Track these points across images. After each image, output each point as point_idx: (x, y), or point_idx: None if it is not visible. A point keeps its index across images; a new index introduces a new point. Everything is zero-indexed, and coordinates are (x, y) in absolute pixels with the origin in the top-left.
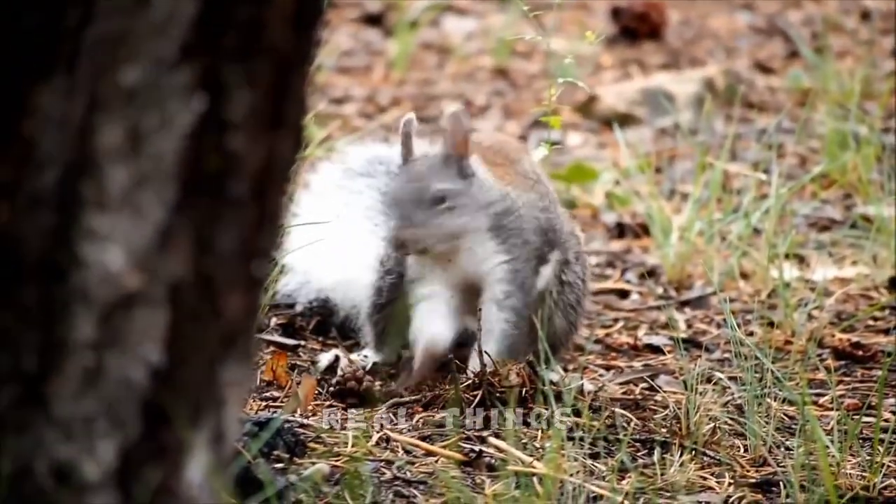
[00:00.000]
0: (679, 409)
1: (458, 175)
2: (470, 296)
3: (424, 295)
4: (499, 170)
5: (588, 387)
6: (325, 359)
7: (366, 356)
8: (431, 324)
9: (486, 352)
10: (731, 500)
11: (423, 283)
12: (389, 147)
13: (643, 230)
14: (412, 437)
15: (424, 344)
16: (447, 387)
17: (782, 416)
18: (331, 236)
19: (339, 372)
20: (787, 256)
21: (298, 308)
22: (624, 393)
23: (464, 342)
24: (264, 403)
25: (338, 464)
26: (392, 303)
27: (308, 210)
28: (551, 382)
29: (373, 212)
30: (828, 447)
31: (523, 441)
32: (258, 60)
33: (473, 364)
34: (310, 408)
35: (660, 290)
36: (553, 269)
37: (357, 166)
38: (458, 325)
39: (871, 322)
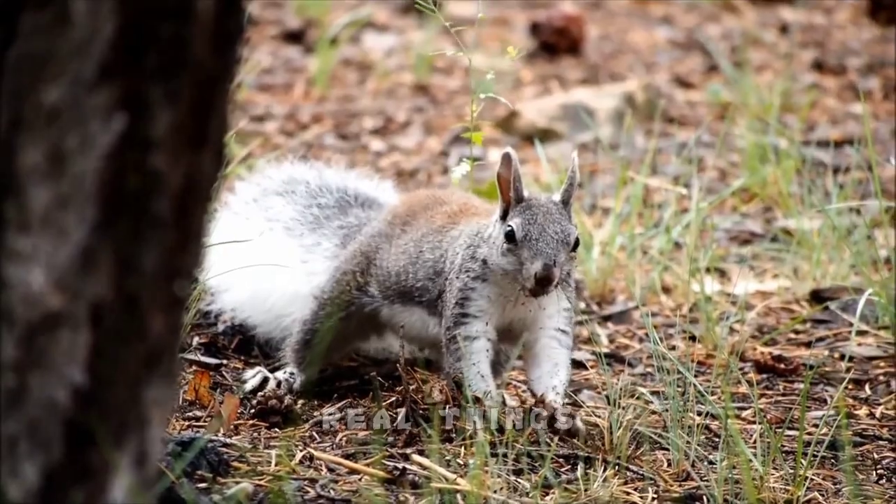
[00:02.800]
0: (602, 424)
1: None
2: (510, 332)
3: (471, 335)
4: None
5: (511, 403)
6: (251, 378)
7: (292, 373)
8: (488, 376)
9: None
10: None
11: (477, 320)
12: (307, 167)
13: None
14: (336, 455)
15: (482, 397)
16: (370, 405)
17: (705, 430)
18: (250, 255)
19: (262, 391)
20: (708, 270)
21: (220, 327)
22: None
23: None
24: (187, 423)
25: (261, 483)
26: (322, 338)
27: (226, 229)
28: (475, 400)
29: (293, 223)
30: (751, 461)
31: (447, 458)
32: (180, 78)
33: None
34: (233, 427)
35: (582, 305)
36: None
37: (278, 186)
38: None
39: (792, 335)
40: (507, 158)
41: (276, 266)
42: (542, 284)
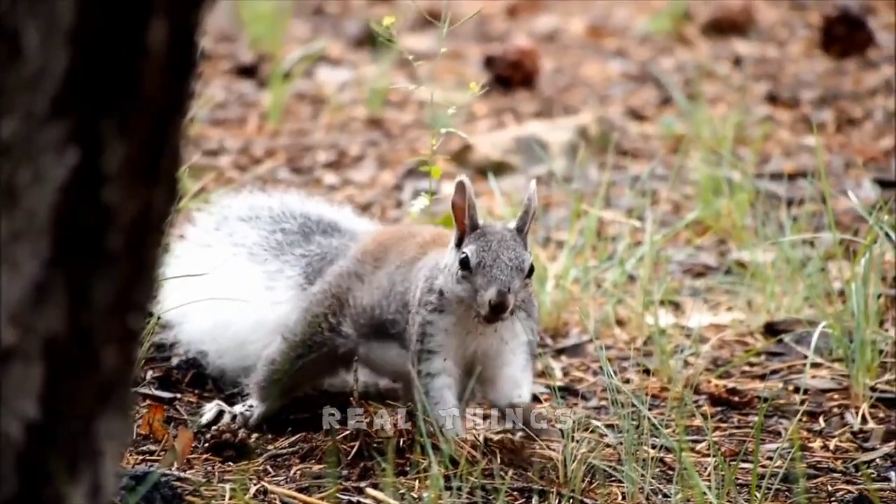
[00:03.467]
0: (556, 457)
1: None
2: (471, 366)
3: (433, 372)
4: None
5: (464, 435)
6: (208, 411)
7: (251, 406)
8: (444, 408)
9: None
10: None
11: (436, 355)
12: (268, 196)
13: None
14: (290, 489)
15: (451, 435)
16: (324, 438)
17: (660, 462)
18: (213, 282)
19: (216, 425)
20: (662, 303)
21: (174, 361)
22: (501, 441)
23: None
24: (141, 457)
25: None
26: (289, 376)
27: (188, 257)
28: (429, 434)
29: (257, 248)
30: (705, 493)
31: (401, 491)
32: (133, 113)
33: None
34: (186, 461)
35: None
36: None
37: (240, 212)
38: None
39: (746, 368)
40: (461, 186)
41: (238, 297)
42: (497, 311)
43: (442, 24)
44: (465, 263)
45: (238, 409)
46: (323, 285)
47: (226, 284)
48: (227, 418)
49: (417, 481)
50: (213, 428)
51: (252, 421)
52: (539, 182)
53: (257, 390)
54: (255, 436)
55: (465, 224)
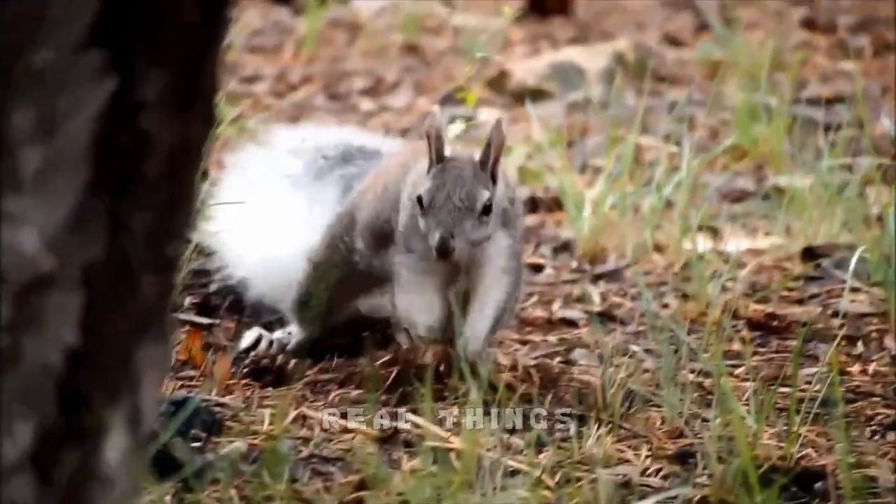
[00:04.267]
0: (595, 382)
1: (490, 181)
2: (459, 278)
3: (409, 276)
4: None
5: (503, 361)
6: (248, 337)
7: (289, 333)
8: (416, 302)
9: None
10: (648, 472)
11: (409, 268)
12: (312, 128)
13: (556, 204)
14: (329, 413)
15: (411, 321)
16: (363, 364)
17: (698, 387)
18: (250, 215)
19: (254, 351)
20: (700, 229)
21: (213, 287)
22: (539, 367)
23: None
24: (181, 383)
25: (255, 442)
26: (319, 300)
27: (231, 189)
28: (466, 358)
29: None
30: (744, 418)
31: (440, 417)
32: (169, 40)
33: (461, 346)
34: (225, 387)
35: (574, 264)
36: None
37: (283, 143)
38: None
39: (785, 293)
40: (431, 116)
41: (282, 220)
42: (442, 255)
43: None
44: (420, 201)
45: (277, 334)
46: (342, 205)
47: (268, 211)
48: (264, 344)
49: (456, 407)
50: (252, 353)
51: (290, 347)
52: (575, 109)
53: (292, 315)
54: (293, 361)
55: (432, 156)
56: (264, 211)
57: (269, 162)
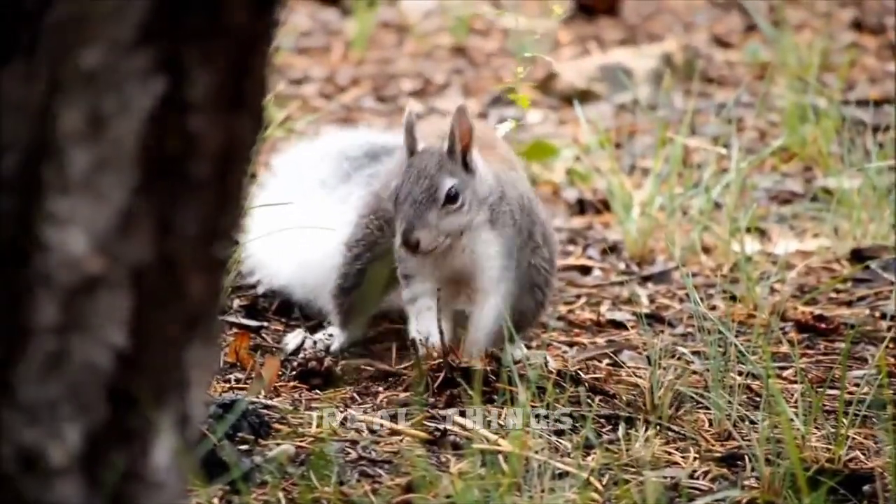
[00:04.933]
0: (643, 384)
1: (463, 170)
2: (458, 284)
3: (415, 293)
4: (484, 154)
5: (552, 363)
6: (291, 340)
7: (331, 335)
8: (424, 325)
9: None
10: (696, 474)
11: (414, 280)
12: (332, 135)
13: (604, 206)
14: (377, 416)
15: (421, 348)
16: (410, 366)
17: (746, 389)
18: (292, 218)
19: (302, 353)
20: (748, 230)
21: (261, 289)
22: (587, 369)
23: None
24: (228, 385)
25: (303, 444)
26: (358, 285)
27: (275, 191)
28: (514, 361)
29: (330, 177)
30: (792, 420)
31: (488, 419)
32: (218, 41)
33: (468, 350)
34: (273, 389)
35: (622, 266)
36: (529, 249)
37: (311, 156)
38: (450, 317)
39: (833, 294)
40: (407, 111)
41: (312, 224)
42: (409, 248)
43: None
44: (389, 198)
45: (319, 336)
46: (371, 187)
47: (301, 219)
48: (308, 344)
49: (504, 409)
50: (300, 356)
51: (334, 348)
52: (623, 110)
53: (332, 307)
54: (341, 364)
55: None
56: (294, 218)
57: (296, 169)
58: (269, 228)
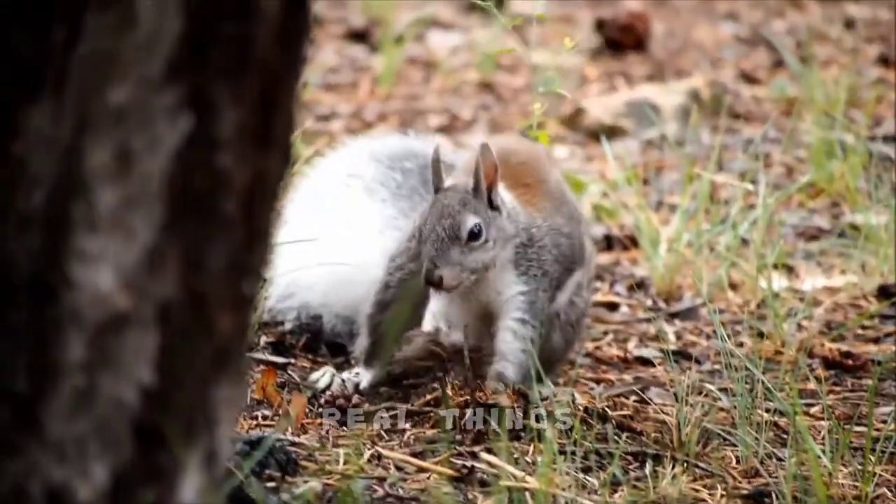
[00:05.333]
0: (670, 421)
1: (488, 206)
2: (484, 321)
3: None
4: (526, 191)
5: (579, 400)
6: (321, 379)
7: (357, 374)
8: (442, 321)
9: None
10: None
11: (438, 312)
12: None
13: (631, 242)
14: (404, 453)
15: (429, 329)
16: (438, 402)
17: (773, 426)
18: (329, 217)
19: (329, 391)
20: (775, 266)
21: (288, 326)
22: (614, 406)
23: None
24: (255, 422)
25: (330, 482)
26: (395, 302)
27: (310, 194)
28: (542, 398)
29: (374, 182)
30: (819, 457)
31: (515, 456)
32: (246, 78)
33: (491, 384)
34: (300, 426)
35: (649, 302)
36: (570, 292)
37: (361, 146)
38: (469, 334)
39: (860, 331)
40: (434, 148)
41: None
42: (432, 284)
43: None
44: (415, 234)
45: (346, 375)
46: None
47: (341, 224)
48: (337, 383)
49: (531, 445)
50: (328, 393)
51: (363, 387)
52: (651, 146)
53: (364, 334)
54: (368, 401)
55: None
56: (335, 224)
57: (345, 165)
58: (305, 240)
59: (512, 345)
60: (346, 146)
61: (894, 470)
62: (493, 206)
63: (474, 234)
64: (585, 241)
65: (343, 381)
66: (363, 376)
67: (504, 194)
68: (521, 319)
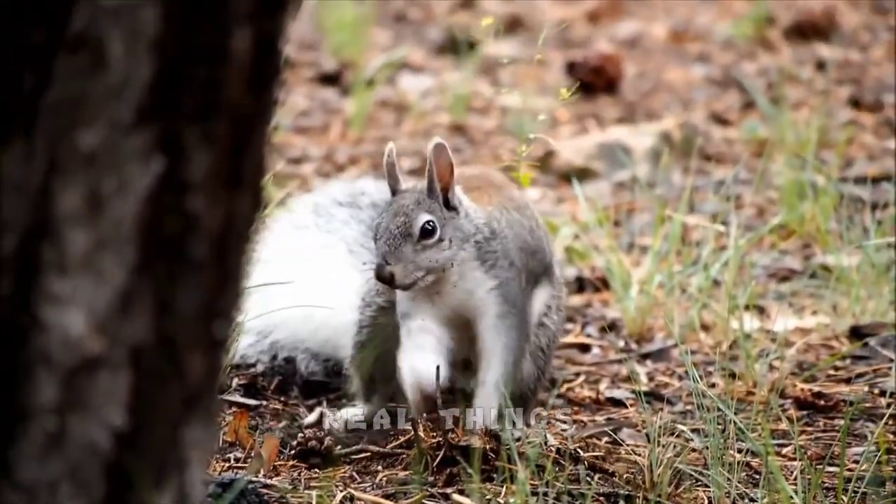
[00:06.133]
0: (643, 462)
1: (443, 206)
2: (463, 331)
3: (411, 329)
4: (481, 194)
5: (551, 441)
6: (311, 417)
7: (355, 414)
8: (417, 360)
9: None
10: None
11: (411, 318)
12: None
13: (603, 284)
14: (376, 494)
15: (411, 381)
16: (407, 445)
17: (746, 467)
18: (308, 269)
19: (301, 434)
20: (747, 307)
21: (260, 367)
22: (587, 447)
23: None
24: (227, 464)
25: None
26: (373, 340)
27: (280, 243)
28: (514, 438)
29: (357, 245)
30: (792, 498)
31: (487, 497)
32: (216, 121)
33: (471, 420)
34: (273, 468)
35: (621, 344)
36: (538, 309)
37: (339, 196)
38: (449, 360)
39: (832, 371)
40: (387, 151)
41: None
42: (384, 281)
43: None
44: (371, 235)
45: (344, 412)
46: None
47: (320, 282)
48: (330, 418)
49: (504, 487)
50: (299, 435)
51: (351, 426)
52: (622, 188)
53: (357, 389)
54: (340, 443)
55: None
56: (314, 280)
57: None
58: (281, 281)
59: (496, 343)
60: (313, 192)
61: None
62: (449, 206)
63: (427, 232)
64: (553, 259)
65: (331, 419)
66: (361, 410)
67: (461, 195)
68: (500, 314)
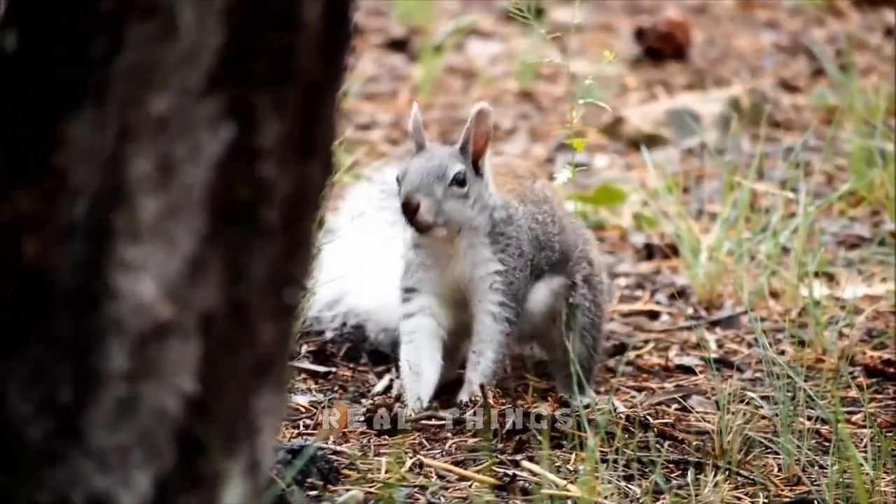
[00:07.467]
0: (712, 429)
1: (472, 168)
2: (459, 310)
3: (413, 315)
4: (503, 182)
5: (621, 409)
6: (380, 384)
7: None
8: (412, 358)
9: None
10: None
11: (413, 298)
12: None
13: (672, 251)
14: (445, 461)
15: (410, 385)
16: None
17: (815, 434)
18: (367, 259)
19: (369, 399)
20: (816, 275)
21: (329, 335)
22: (656, 414)
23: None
24: (297, 431)
25: (371, 490)
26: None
27: (345, 232)
28: (584, 406)
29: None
30: (862, 465)
31: (557, 464)
32: (287, 88)
33: (465, 390)
34: (342, 435)
35: (690, 311)
36: (555, 289)
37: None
38: (444, 357)
39: None
40: (414, 110)
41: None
42: (408, 213)
43: None
44: (397, 179)
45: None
46: None
47: (379, 265)
48: (397, 385)
49: (573, 454)
50: (368, 402)
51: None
52: (691, 154)
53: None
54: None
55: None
56: (378, 259)
57: (383, 209)
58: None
59: (492, 328)
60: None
61: None
62: (477, 171)
63: (459, 181)
64: (570, 243)
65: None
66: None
67: (488, 166)
68: (500, 302)
